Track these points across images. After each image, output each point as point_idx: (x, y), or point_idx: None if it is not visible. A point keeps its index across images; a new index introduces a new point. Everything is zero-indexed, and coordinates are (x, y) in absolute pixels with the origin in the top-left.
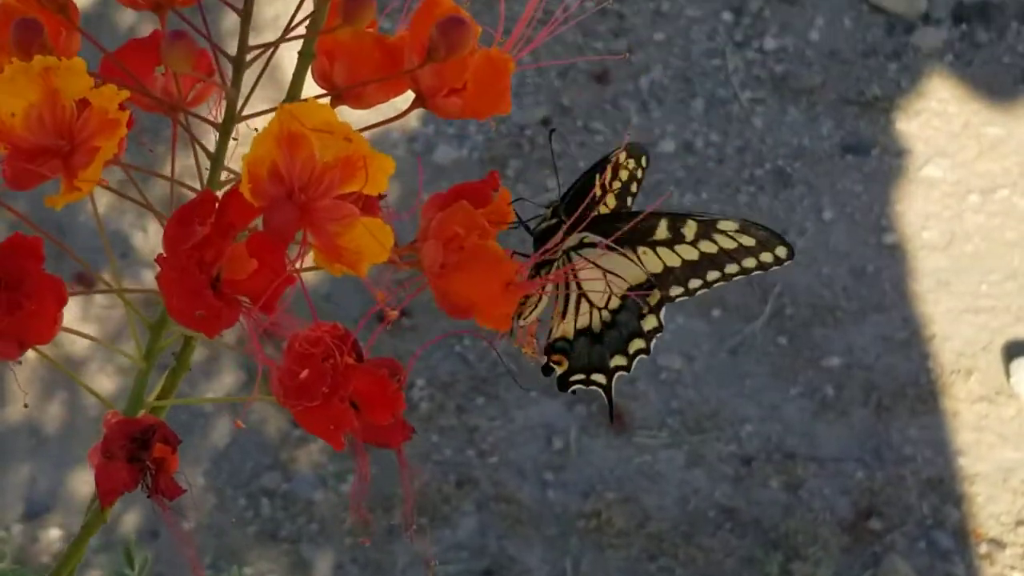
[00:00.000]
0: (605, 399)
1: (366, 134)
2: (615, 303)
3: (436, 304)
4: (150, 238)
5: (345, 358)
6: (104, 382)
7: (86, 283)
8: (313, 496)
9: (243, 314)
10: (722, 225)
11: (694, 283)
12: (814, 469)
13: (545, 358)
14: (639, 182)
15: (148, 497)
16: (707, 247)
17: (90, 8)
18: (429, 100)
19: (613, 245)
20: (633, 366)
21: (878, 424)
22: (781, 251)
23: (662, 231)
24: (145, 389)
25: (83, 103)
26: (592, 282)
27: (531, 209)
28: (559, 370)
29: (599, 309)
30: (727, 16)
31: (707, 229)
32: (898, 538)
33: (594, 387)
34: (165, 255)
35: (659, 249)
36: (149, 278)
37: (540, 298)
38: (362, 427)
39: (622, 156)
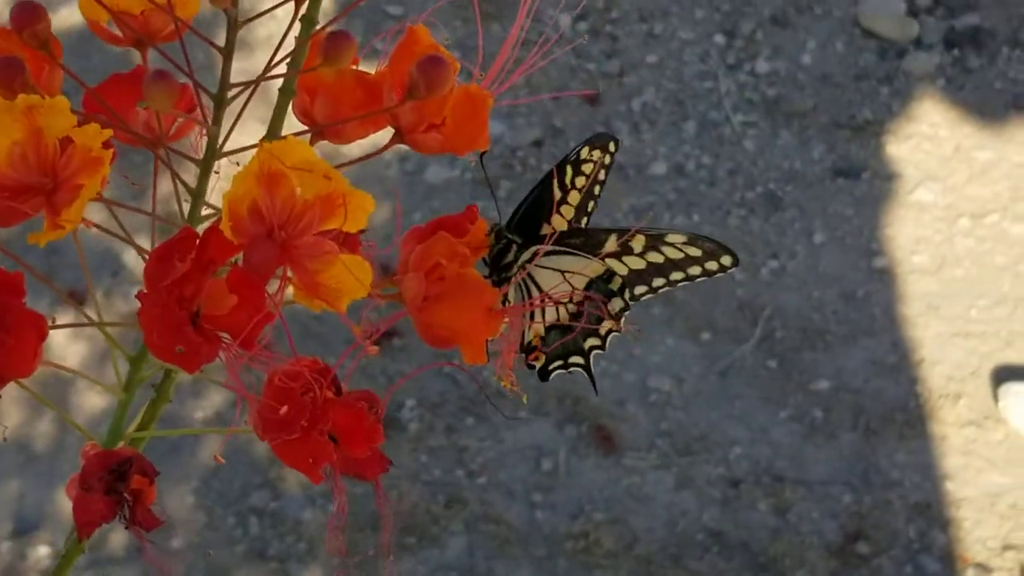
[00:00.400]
0: (587, 377)
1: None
2: (578, 296)
3: (418, 335)
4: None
5: (324, 392)
6: (94, 399)
7: (78, 299)
8: (302, 515)
9: (223, 350)
10: (670, 238)
11: (640, 289)
12: (802, 492)
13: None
14: (608, 168)
15: (126, 528)
16: (654, 257)
17: (82, 28)
18: (408, 136)
19: (561, 248)
20: (607, 343)
21: (866, 448)
22: (726, 259)
23: (611, 244)
24: (125, 420)
25: (66, 141)
26: (550, 285)
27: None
28: (539, 364)
29: (566, 304)
30: (719, 39)
31: (655, 242)
32: (885, 562)
33: (574, 368)
34: (146, 291)
35: (607, 260)
36: None
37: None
38: (340, 459)
39: (584, 151)
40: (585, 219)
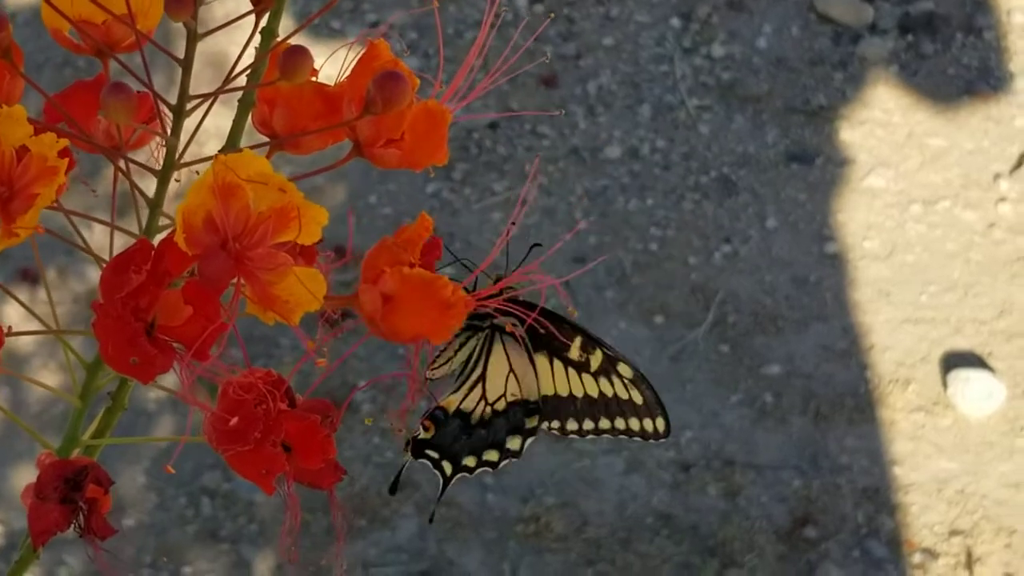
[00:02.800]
0: (440, 487)
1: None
2: (501, 405)
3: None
4: (95, 236)
5: (277, 404)
6: (48, 378)
7: (31, 279)
8: (254, 497)
9: (177, 360)
10: (620, 368)
11: (587, 424)
12: (752, 476)
13: (408, 438)
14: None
15: (80, 537)
16: (605, 387)
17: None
18: (366, 150)
19: (529, 348)
20: (475, 473)
21: (816, 432)
22: (660, 424)
23: (575, 350)
24: (80, 428)
25: (23, 150)
26: (495, 372)
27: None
28: (423, 435)
29: (487, 403)
30: (676, 22)
31: (609, 366)
32: (833, 547)
33: (437, 472)
34: (101, 302)
35: (570, 371)
36: (95, 275)
37: (454, 357)
38: (294, 469)
39: None
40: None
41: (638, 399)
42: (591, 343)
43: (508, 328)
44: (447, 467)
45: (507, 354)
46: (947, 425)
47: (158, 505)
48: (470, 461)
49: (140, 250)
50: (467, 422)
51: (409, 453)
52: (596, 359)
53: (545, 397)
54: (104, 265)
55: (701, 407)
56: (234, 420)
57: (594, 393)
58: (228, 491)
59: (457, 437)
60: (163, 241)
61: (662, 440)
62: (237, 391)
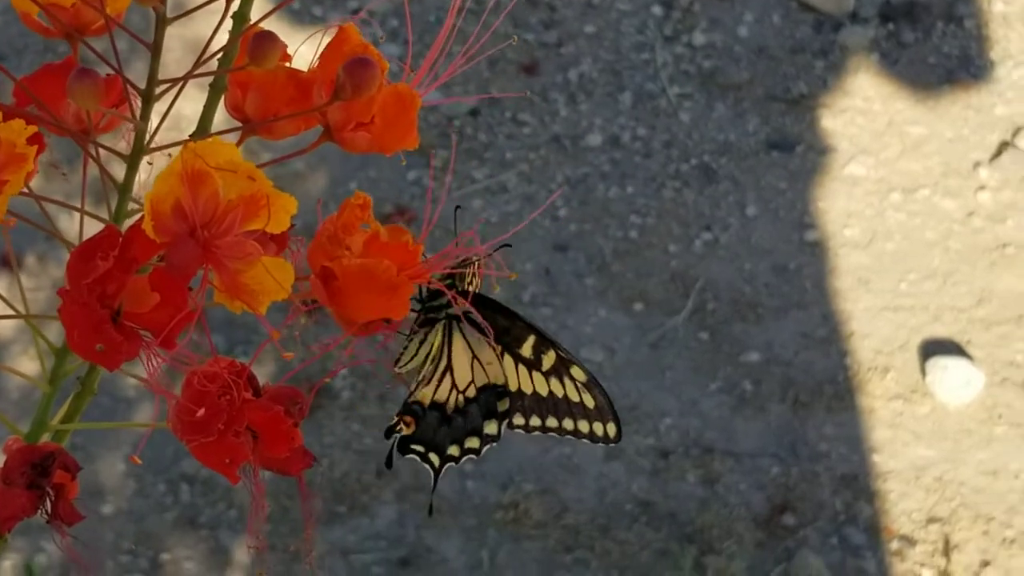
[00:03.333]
0: (432, 480)
1: None
2: (472, 392)
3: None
4: (75, 221)
5: (241, 394)
6: (26, 364)
7: (8, 265)
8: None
9: (143, 348)
10: (574, 371)
11: (535, 420)
12: (731, 464)
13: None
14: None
15: (47, 523)
16: (556, 387)
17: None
18: (337, 134)
19: (488, 338)
20: (461, 462)
21: (795, 420)
22: (611, 428)
23: (527, 348)
24: (49, 413)
25: None
26: (460, 361)
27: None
28: (406, 431)
29: (458, 391)
30: (657, 10)
31: (561, 367)
32: (811, 533)
33: (427, 465)
34: (67, 288)
35: (520, 367)
36: None
37: (418, 350)
38: (262, 457)
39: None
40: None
41: (590, 403)
42: (545, 343)
43: (462, 306)
44: (434, 459)
45: (467, 341)
46: (925, 413)
47: (137, 492)
48: (454, 450)
49: (107, 237)
50: (443, 412)
51: (395, 438)
52: (549, 359)
53: (497, 387)
54: (71, 251)
55: (680, 394)
56: (200, 411)
57: (543, 392)
58: (207, 477)
59: (437, 429)
60: (131, 228)
61: (612, 444)
62: (202, 381)
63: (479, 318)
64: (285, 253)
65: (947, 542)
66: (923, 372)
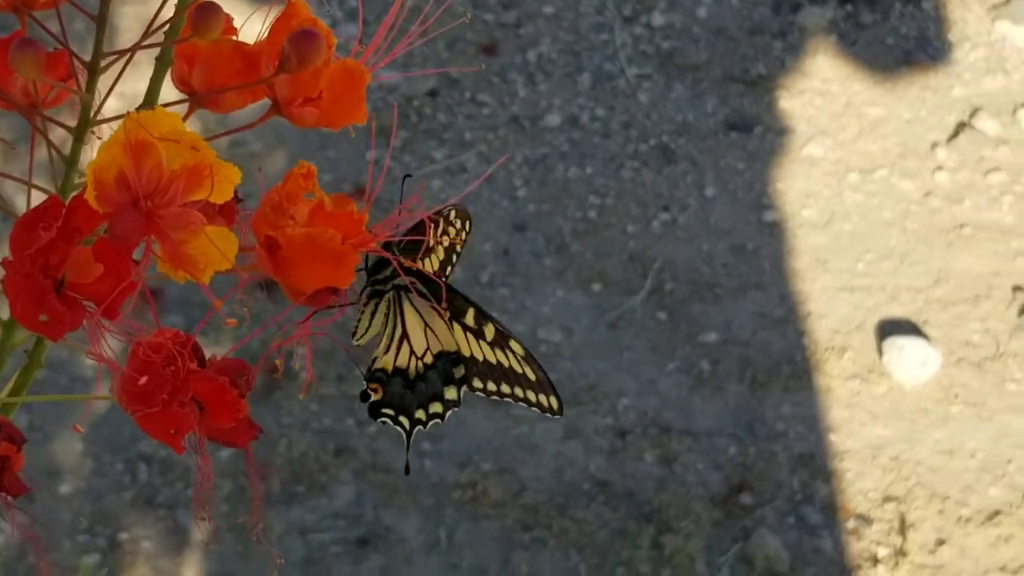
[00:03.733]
0: (405, 442)
1: None
2: (429, 358)
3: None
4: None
5: (186, 364)
6: None
7: None
8: (191, 463)
9: (87, 318)
10: (513, 345)
11: (491, 386)
12: (688, 443)
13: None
14: (462, 245)
15: None
16: (501, 357)
17: None
18: (284, 108)
19: (435, 304)
20: (428, 426)
21: (752, 400)
22: (553, 402)
23: (470, 318)
24: None
25: None
26: (414, 329)
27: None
28: (374, 397)
29: (417, 357)
30: None
31: (502, 340)
32: (768, 513)
33: (399, 428)
34: (10, 259)
35: (469, 335)
36: None
37: (371, 322)
38: (208, 428)
39: (452, 214)
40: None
41: (531, 376)
42: (483, 316)
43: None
44: (404, 422)
45: (417, 310)
46: (882, 392)
47: (94, 471)
48: (420, 414)
49: (50, 207)
50: (406, 378)
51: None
52: (490, 331)
53: (451, 354)
54: (14, 223)
55: (638, 374)
56: (143, 381)
57: (492, 360)
58: (165, 457)
59: (403, 393)
60: (74, 199)
61: (556, 417)
62: (146, 352)
63: (421, 287)
64: (235, 226)
65: (903, 521)
66: (880, 352)
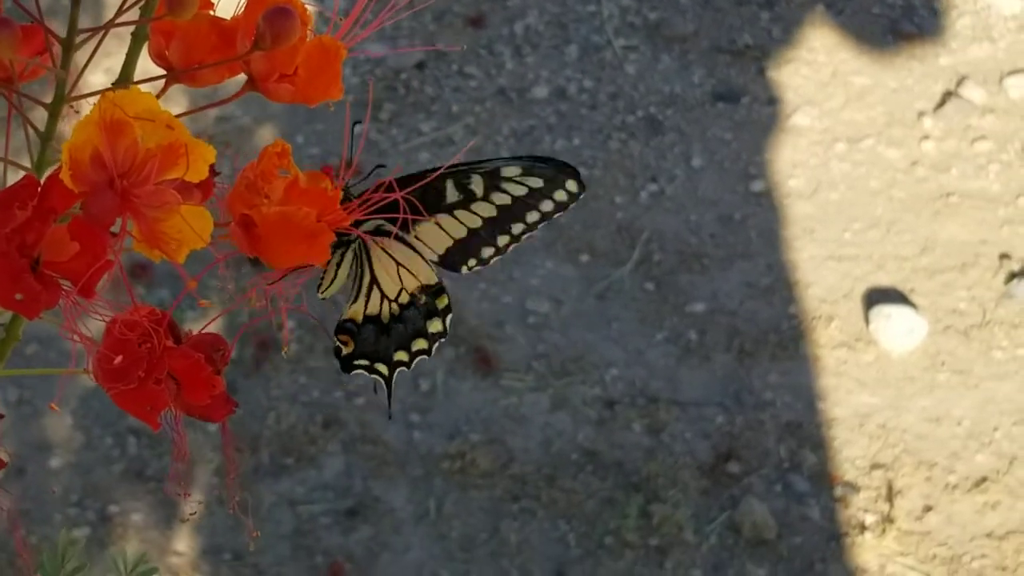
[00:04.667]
0: (385, 389)
1: None
2: (405, 298)
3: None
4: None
5: (161, 341)
6: None
7: None
8: None
9: (62, 297)
10: (505, 172)
11: (502, 240)
12: (676, 413)
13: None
14: (563, 209)
15: None
16: (500, 199)
17: None
18: (260, 84)
19: (404, 236)
20: (413, 364)
21: (740, 369)
22: (572, 185)
23: (452, 193)
24: None
25: None
26: (384, 273)
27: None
28: (345, 351)
29: (389, 300)
30: None
31: (493, 180)
32: (755, 481)
33: (375, 376)
34: None
35: (457, 212)
36: None
37: (336, 273)
38: (184, 404)
39: (511, 171)
40: (507, 240)
41: (537, 183)
42: (463, 176)
43: (367, 238)
44: (382, 368)
45: (387, 252)
46: (869, 361)
47: (84, 445)
48: (402, 355)
49: (26, 186)
50: (380, 324)
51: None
52: (477, 184)
53: (448, 250)
54: None
55: (626, 345)
56: (118, 359)
57: (492, 213)
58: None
59: (377, 339)
60: (49, 177)
61: (582, 196)
62: (122, 329)
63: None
64: (210, 200)
65: (890, 488)
66: (867, 320)
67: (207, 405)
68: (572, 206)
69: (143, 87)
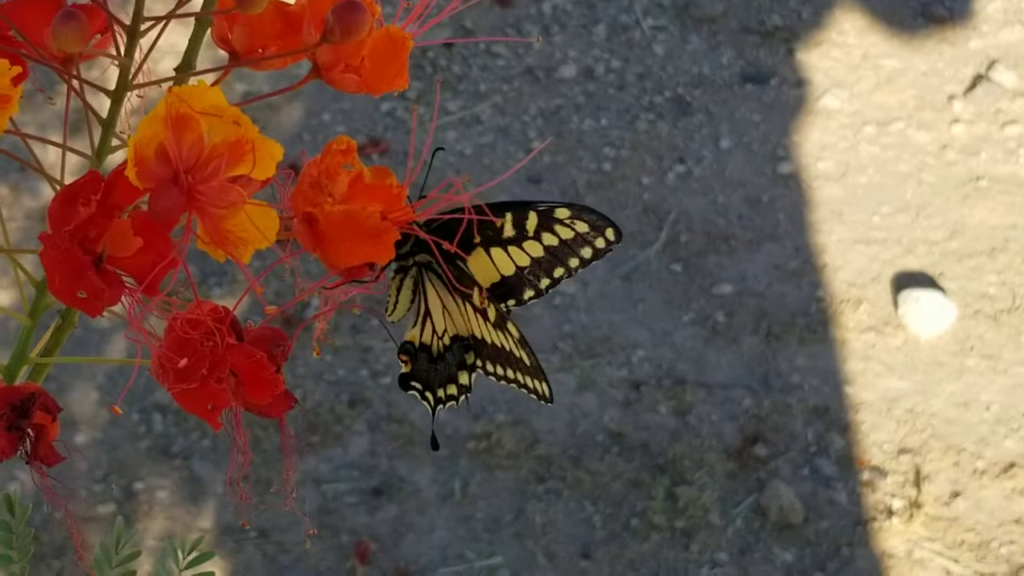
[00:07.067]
0: (431, 417)
1: None
2: (447, 340)
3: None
4: (49, 153)
5: (224, 339)
6: (1, 297)
7: None
8: None
9: (125, 295)
10: (558, 214)
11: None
12: (703, 395)
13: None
14: (599, 256)
15: (27, 464)
16: (549, 239)
17: None
18: (326, 74)
19: (450, 284)
20: (447, 406)
21: (767, 352)
22: (611, 234)
23: (508, 228)
24: (29, 345)
25: None
26: (435, 308)
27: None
28: (404, 369)
29: (438, 338)
30: None
31: (546, 220)
32: (782, 464)
33: (425, 403)
34: (49, 233)
35: (510, 248)
36: (48, 192)
37: (398, 296)
38: (242, 401)
39: (562, 213)
40: (547, 282)
41: (583, 228)
42: (520, 213)
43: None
44: (430, 397)
45: (436, 290)
46: (897, 345)
47: (110, 421)
48: (441, 393)
49: (89, 182)
50: (430, 355)
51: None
52: (532, 222)
53: (494, 285)
54: (53, 197)
55: (653, 326)
56: (183, 361)
57: (539, 253)
58: (180, 407)
59: (428, 369)
60: (113, 173)
61: (615, 247)
62: (184, 327)
63: (439, 266)
64: (272, 188)
65: (918, 473)
66: (895, 304)
67: (267, 403)
68: (607, 255)
69: (206, 79)
